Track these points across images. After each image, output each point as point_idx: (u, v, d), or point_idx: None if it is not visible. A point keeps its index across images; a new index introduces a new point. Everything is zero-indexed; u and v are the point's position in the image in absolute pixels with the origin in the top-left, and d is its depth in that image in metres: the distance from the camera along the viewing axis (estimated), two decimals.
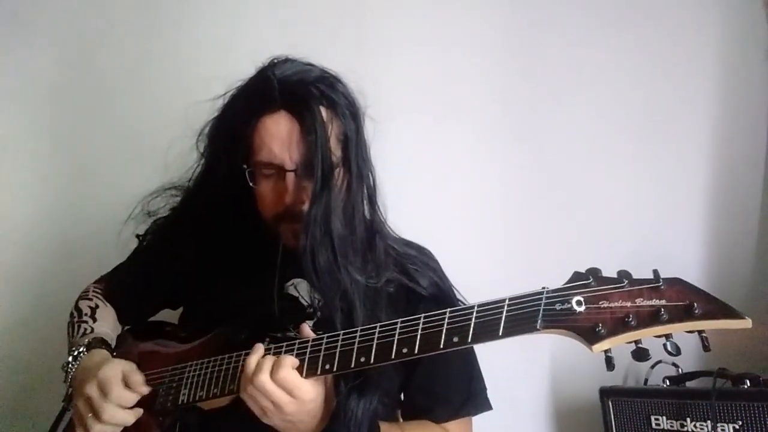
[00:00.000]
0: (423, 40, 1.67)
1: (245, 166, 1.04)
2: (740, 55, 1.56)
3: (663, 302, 0.72)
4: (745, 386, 1.23)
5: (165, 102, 1.68)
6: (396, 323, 0.86)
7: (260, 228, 1.08)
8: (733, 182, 1.56)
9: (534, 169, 1.62)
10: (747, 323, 0.68)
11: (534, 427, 1.60)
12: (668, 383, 1.38)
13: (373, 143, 1.11)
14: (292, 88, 1.01)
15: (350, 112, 1.06)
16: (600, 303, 0.74)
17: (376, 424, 1.00)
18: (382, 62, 1.64)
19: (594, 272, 0.77)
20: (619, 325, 0.72)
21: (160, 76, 1.74)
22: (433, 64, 1.66)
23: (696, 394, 1.27)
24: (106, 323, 1.18)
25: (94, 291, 1.24)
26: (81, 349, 1.08)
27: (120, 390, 0.98)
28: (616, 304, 0.74)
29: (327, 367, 0.89)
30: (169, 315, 1.30)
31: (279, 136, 1.01)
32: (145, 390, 1.01)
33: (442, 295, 1.12)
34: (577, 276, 0.78)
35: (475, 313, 0.81)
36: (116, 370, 1.00)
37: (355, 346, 0.88)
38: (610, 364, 0.74)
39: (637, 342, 0.73)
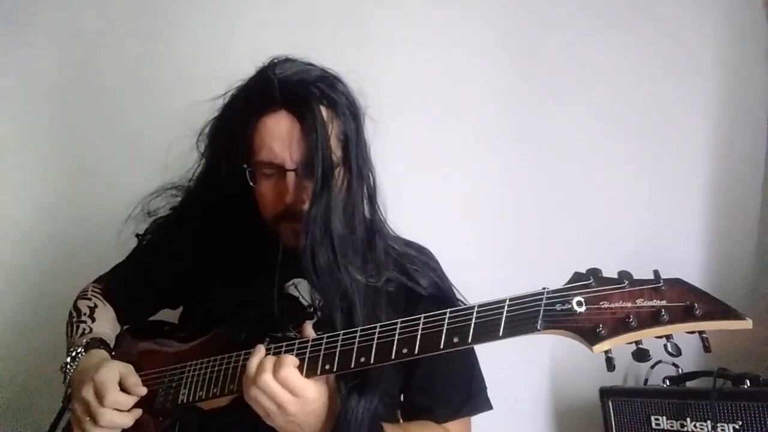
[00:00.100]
0: (423, 40, 1.67)
1: (245, 166, 1.04)
2: (740, 55, 1.56)
3: (664, 303, 0.72)
4: (745, 386, 1.23)
5: (165, 102, 1.68)
6: (396, 323, 0.86)
7: (260, 228, 1.08)
8: (733, 182, 1.56)
9: (534, 169, 1.62)
10: (748, 324, 0.68)
11: (534, 427, 1.60)
12: (668, 383, 1.38)
13: (373, 143, 1.11)
14: (292, 88, 1.01)
15: (350, 112, 1.06)
16: (600, 303, 0.74)
17: (379, 425, 0.99)
18: (382, 62, 1.64)
19: (594, 273, 0.77)
20: (620, 325, 0.72)
21: (160, 76, 1.74)
22: (433, 64, 1.66)
23: (696, 394, 1.27)
24: (105, 323, 1.18)
25: (93, 291, 1.24)
26: (79, 350, 1.07)
27: (116, 394, 0.98)
28: (616, 304, 0.74)
29: (327, 367, 0.89)
30: (168, 315, 1.30)
31: (279, 135, 1.01)
32: (143, 392, 1.01)
33: (442, 295, 1.12)
34: (577, 276, 0.78)
35: (475, 314, 0.81)
36: (113, 373, 0.99)
37: (355, 346, 0.88)
38: (610, 364, 0.74)
39: (637, 342, 0.73)
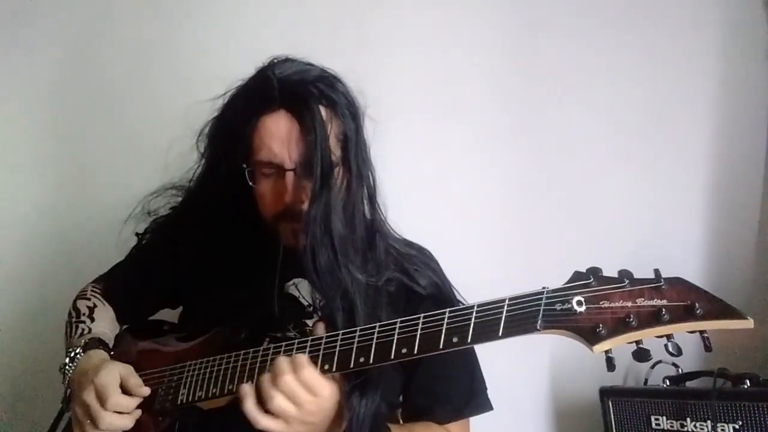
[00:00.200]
0: (423, 40, 1.67)
1: (245, 166, 1.04)
2: (740, 55, 1.56)
3: (664, 302, 0.71)
4: (745, 386, 1.23)
5: (165, 102, 1.68)
6: (395, 323, 0.86)
7: (260, 228, 1.08)
8: (733, 182, 1.56)
9: (534, 169, 1.62)
10: (749, 323, 0.67)
11: (534, 427, 1.60)
12: (668, 383, 1.38)
13: (372, 143, 1.11)
14: (291, 88, 1.01)
15: (350, 112, 1.05)
16: (601, 303, 0.74)
17: (385, 425, 0.99)
18: (382, 62, 1.64)
19: (595, 272, 0.76)
20: (620, 325, 0.72)
21: (160, 76, 1.74)
22: (433, 64, 1.66)
23: (696, 394, 1.27)
24: (104, 323, 1.17)
25: (92, 290, 1.23)
26: (78, 350, 1.07)
27: (118, 397, 0.97)
28: (616, 304, 0.73)
29: (326, 367, 0.89)
30: (168, 314, 1.30)
31: (278, 135, 1.00)
32: (146, 392, 1.00)
33: (442, 295, 1.12)
34: (577, 276, 0.77)
35: (474, 313, 0.80)
36: (113, 376, 0.98)
37: (354, 346, 0.88)
38: (610, 364, 0.74)
39: (637, 342, 0.73)
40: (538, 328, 0.76)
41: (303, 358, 0.88)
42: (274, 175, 1.03)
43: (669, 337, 0.72)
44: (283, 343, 0.93)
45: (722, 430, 1.21)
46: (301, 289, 1.09)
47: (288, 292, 1.10)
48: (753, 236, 1.55)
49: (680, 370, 1.40)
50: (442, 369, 1.08)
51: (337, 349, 0.89)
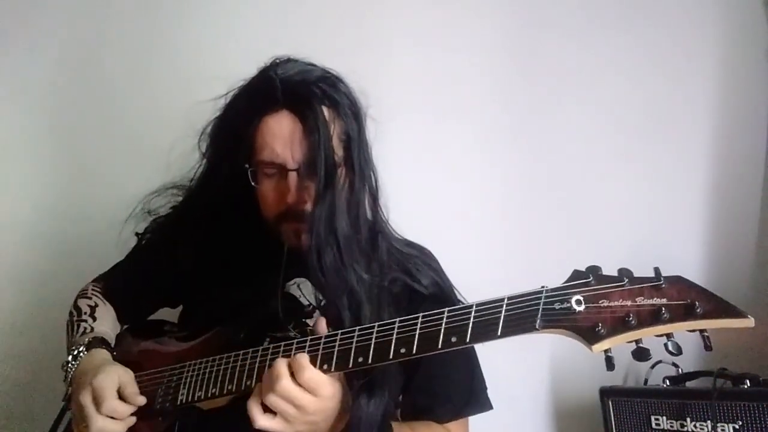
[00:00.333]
0: (423, 40, 1.67)
1: (247, 166, 1.04)
2: (740, 55, 1.56)
3: (664, 301, 0.70)
4: (745, 386, 1.23)
5: (166, 102, 1.68)
6: (394, 323, 0.85)
7: (262, 228, 1.08)
8: (733, 182, 1.56)
9: (534, 169, 1.62)
10: (750, 322, 0.67)
11: (534, 427, 1.60)
12: (668, 383, 1.38)
13: (374, 143, 1.11)
14: (294, 88, 1.01)
15: (352, 112, 1.06)
16: (600, 302, 0.73)
17: (389, 425, 0.99)
18: (383, 62, 1.64)
19: (594, 270, 0.75)
20: (620, 324, 0.71)
21: (161, 76, 1.74)
22: (433, 64, 1.66)
23: (696, 394, 1.27)
24: (106, 322, 1.18)
25: (93, 290, 1.23)
26: (81, 349, 1.07)
27: (113, 402, 0.97)
28: (616, 303, 0.72)
29: (325, 367, 0.88)
30: (168, 314, 1.30)
31: (281, 135, 1.01)
32: (141, 401, 1.00)
33: (443, 295, 1.12)
34: (576, 274, 0.76)
35: (473, 313, 0.80)
36: (112, 380, 0.98)
37: (353, 345, 0.87)
38: (610, 364, 0.73)
39: (637, 342, 0.72)
40: (537, 327, 0.75)
41: (304, 361, 0.87)
42: (277, 175, 1.03)
43: (669, 336, 0.72)
44: (283, 343, 0.93)
45: (722, 430, 1.21)
46: (303, 288, 1.09)
47: (288, 291, 1.10)
48: (753, 236, 1.55)
49: (680, 370, 1.40)
50: (442, 368, 1.08)
51: (336, 348, 0.88)
